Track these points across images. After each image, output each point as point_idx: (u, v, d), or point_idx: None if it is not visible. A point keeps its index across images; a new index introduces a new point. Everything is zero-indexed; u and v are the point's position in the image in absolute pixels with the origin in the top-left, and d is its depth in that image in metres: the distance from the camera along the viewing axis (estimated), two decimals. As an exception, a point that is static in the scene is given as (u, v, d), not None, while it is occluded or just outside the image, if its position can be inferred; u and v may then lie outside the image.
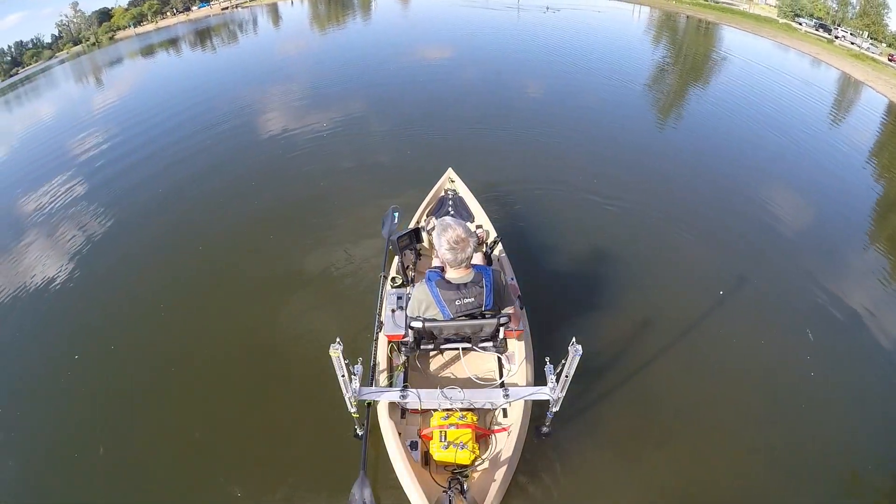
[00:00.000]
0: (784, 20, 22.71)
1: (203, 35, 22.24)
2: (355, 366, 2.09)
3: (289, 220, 4.78)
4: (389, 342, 2.51)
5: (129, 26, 30.37)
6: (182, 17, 29.51)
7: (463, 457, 2.00)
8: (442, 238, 2.02)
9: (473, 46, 12.61)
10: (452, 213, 3.62)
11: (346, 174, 5.63)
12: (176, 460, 2.73)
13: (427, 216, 3.63)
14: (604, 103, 8.17)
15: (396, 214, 3.42)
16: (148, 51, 21.11)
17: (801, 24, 22.79)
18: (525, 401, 2.20)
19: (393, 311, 2.51)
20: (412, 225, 3.42)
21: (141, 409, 3.07)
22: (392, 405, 2.26)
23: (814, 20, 22.93)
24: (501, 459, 2.01)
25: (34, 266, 4.66)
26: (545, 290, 3.60)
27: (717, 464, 2.62)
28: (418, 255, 3.07)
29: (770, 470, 2.60)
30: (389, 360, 2.52)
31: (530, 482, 2.41)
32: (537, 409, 2.32)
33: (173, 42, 21.64)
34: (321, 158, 6.10)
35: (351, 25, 18.59)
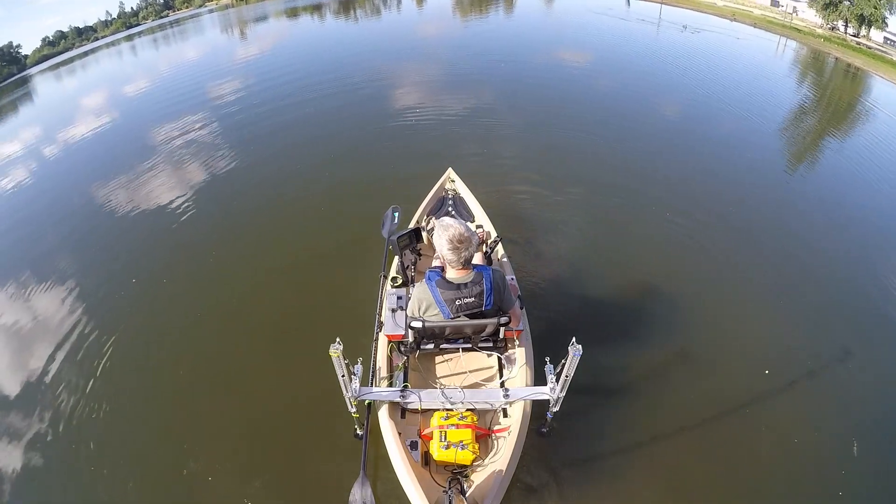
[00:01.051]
0: (941, 78, 19.96)
1: (347, 4, 22.81)
2: (355, 366, 2.09)
3: (339, 206, 4.99)
4: (389, 342, 2.51)
5: (283, -14, 31.92)
6: (333, -16, 29.24)
7: (463, 457, 1.99)
8: (443, 237, 2.02)
9: (606, 57, 11.90)
10: (452, 213, 3.63)
11: (423, 167, 5.49)
12: (171, 452, 2.73)
13: (427, 216, 3.63)
14: (718, 133, 7.20)
15: (396, 214, 3.42)
16: (292, 12, 22.30)
17: (959, 85, 19.92)
18: (525, 401, 2.20)
19: (393, 311, 2.51)
20: (412, 225, 3.41)
21: (157, 358, 3.37)
22: (392, 405, 2.26)
23: (975, 83, 20.27)
24: (501, 459, 2.01)
25: (137, 191, 5.81)
26: (545, 290, 3.60)
27: (717, 465, 2.63)
28: (418, 255, 3.07)
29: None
30: (389, 360, 2.52)
31: (530, 482, 2.41)
32: (537, 409, 2.31)
33: (317, 7, 22.41)
34: (408, 146, 6.29)
35: (492, 17, 18.34)
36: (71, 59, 22.90)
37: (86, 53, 23.95)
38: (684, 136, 6.90)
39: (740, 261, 4.25)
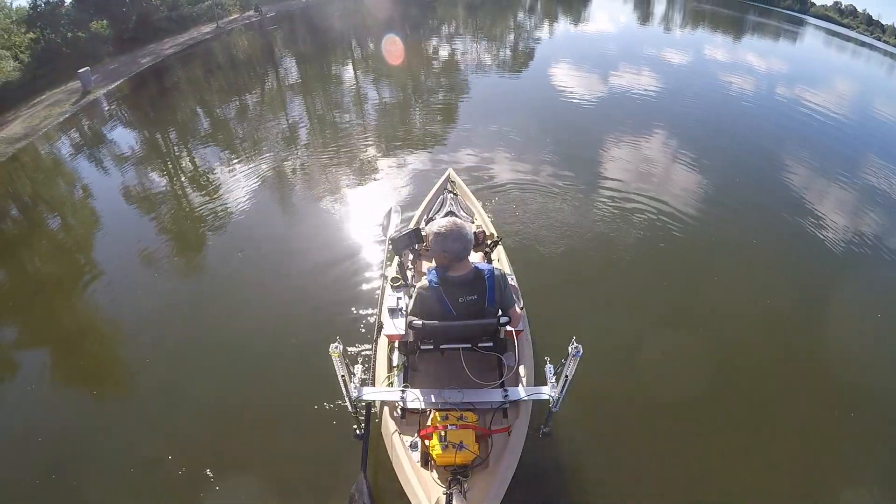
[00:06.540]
0: None
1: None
2: (355, 366, 2.09)
3: (340, 206, 4.92)
4: (389, 342, 2.50)
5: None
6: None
7: (463, 457, 1.99)
8: (437, 230, 2.05)
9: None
10: (453, 213, 3.62)
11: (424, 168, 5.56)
12: (168, 450, 2.71)
13: (427, 216, 3.62)
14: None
15: (396, 215, 3.42)
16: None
17: None
18: (525, 401, 2.20)
19: (393, 311, 2.50)
20: (412, 225, 3.41)
21: (155, 357, 3.32)
22: (392, 405, 2.25)
23: None
24: (501, 460, 2.00)
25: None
26: (545, 290, 3.60)
27: (717, 465, 2.62)
28: (418, 255, 3.07)
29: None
30: (389, 360, 2.51)
31: (530, 482, 2.40)
32: (537, 409, 2.31)
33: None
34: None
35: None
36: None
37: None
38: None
39: (742, 251, 4.33)
